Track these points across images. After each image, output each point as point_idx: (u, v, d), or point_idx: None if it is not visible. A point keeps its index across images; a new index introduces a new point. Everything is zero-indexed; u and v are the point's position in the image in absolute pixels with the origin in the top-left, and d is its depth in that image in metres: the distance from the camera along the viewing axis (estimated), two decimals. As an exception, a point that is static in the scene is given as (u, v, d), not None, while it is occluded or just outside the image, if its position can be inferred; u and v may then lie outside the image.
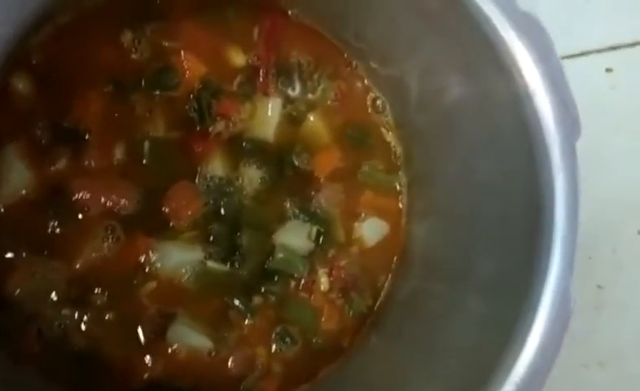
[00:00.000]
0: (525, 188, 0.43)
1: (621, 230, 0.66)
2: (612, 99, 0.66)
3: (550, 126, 0.41)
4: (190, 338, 0.54)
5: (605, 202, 0.66)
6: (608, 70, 0.65)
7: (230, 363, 0.54)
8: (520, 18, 0.41)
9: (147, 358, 0.53)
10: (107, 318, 0.52)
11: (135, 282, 0.53)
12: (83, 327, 0.52)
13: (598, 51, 0.65)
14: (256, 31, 0.56)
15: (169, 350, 0.53)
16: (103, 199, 0.52)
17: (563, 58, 0.64)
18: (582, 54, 0.66)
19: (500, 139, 0.45)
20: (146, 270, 0.53)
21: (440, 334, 0.50)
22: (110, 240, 0.52)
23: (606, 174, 0.65)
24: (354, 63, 0.57)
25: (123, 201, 0.52)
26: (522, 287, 0.42)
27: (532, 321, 0.41)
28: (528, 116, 0.41)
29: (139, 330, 0.53)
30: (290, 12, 0.56)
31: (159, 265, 0.53)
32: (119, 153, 0.53)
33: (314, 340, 0.56)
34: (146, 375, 0.53)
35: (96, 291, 0.52)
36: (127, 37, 0.54)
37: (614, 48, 0.65)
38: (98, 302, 0.52)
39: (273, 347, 0.55)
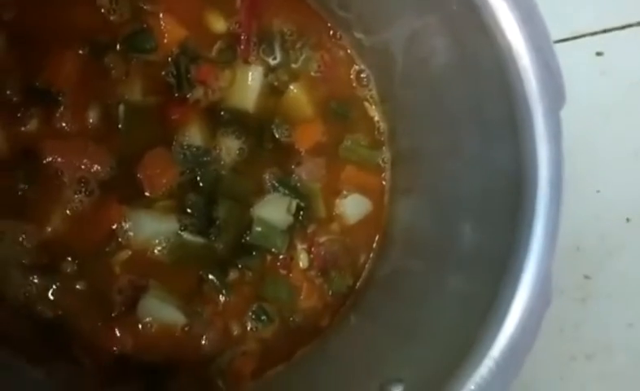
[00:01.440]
0: (508, 160, 0.42)
1: (609, 218, 0.65)
2: (602, 84, 0.65)
3: (534, 92, 0.40)
4: (162, 312, 0.52)
5: (593, 189, 0.65)
6: (599, 54, 0.64)
7: (203, 340, 0.53)
8: (505, -21, 0.39)
9: (117, 331, 0.52)
10: (77, 287, 0.51)
11: (107, 250, 0.51)
12: (51, 296, 0.51)
13: (589, 34, 0.64)
14: (238, -1, 0.55)
15: (140, 324, 0.52)
16: (75, 164, 0.50)
17: (554, 42, 0.63)
18: (573, 37, 0.65)
19: (484, 109, 0.44)
20: (119, 239, 0.52)
21: (420, 313, 0.49)
22: (83, 195, 0.51)
23: (594, 161, 0.64)
24: (338, 33, 0.56)
25: (96, 167, 0.51)
26: (503, 264, 0.41)
27: (512, 298, 0.40)
28: (512, 81, 0.40)
29: (109, 301, 0.52)
30: (272, -23, 0.55)
31: (131, 234, 0.52)
32: (93, 116, 0.52)
33: (292, 319, 0.55)
34: (115, 349, 0.52)
35: (67, 259, 0.51)
36: (104, -1, 0.53)
37: (605, 31, 0.64)
38: (69, 270, 0.51)
39: (249, 325, 0.54)
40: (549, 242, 0.40)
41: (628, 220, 0.65)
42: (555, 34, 0.63)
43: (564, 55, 0.63)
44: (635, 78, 0.65)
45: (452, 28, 0.44)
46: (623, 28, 0.64)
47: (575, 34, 0.65)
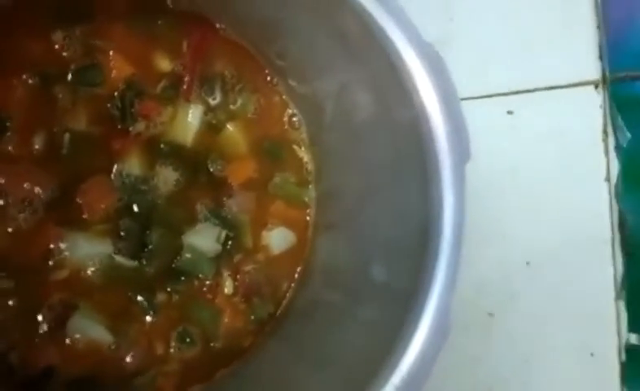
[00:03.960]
0: (417, 206, 0.46)
1: (512, 261, 0.69)
2: (511, 140, 0.70)
3: (443, 148, 0.44)
4: (90, 330, 0.54)
5: (499, 234, 0.70)
6: (509, 112, 0.70)
7: (128, 358, 0.55)
8: (424, 48, 0.44)
9: (45, 346, 0.53)
10: (9, 303, 0.53)
11: (43, 269, 0.53)
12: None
13: (502, 94, 0.70)
14: (185, 43, 0.58)
15: (68, 340, 0.54)
16: (18, 185, 0.53)
17: (470, 99, 0.69)
18: (487, 96, 0.70)
19: (399, 159, 0.49)
20: (55, 258, 0.54)
21: (333, 339, 0.52)
22: (27, 214, 0.53)
23: (501, 208, 0.69)
24: (275, 79, 0.60)
25: (37, 189, 0.53)
26: (408, 299, 0.45)
27: (414, 331, 0.43)
28: (424, 138, 0.44)
29: (40, 318, 0.54)
30: (218, 26, 0.59)
31: (67, 254, 0.54)
32: (38, 142, 0.54)
33: (214, 343, 0.58)
34: (43, 363, 0.53)
35: (2, 274, 0.53)
36: (58, 35, 0.55)
37: (515, 92, 0.69)
38: (6, 287, 0.53)
39: (173, 346, 0.57)
40: (449, 281, 0.44)
41: (528, 263, 0.70)
42: (471, 92, 0.70)
43: (479, 111, 0.70)
44: (540, 137, 0.70)
45: (374, 85, 0.49)
46: (532, 91, 0.70)
47: (489, 93, 0.70)
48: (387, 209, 0.51)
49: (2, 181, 0.52)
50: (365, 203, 0.55)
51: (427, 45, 0.44)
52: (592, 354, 0.69)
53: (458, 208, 0.45)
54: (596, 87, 0.68)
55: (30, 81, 0.54)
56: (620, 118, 0.68)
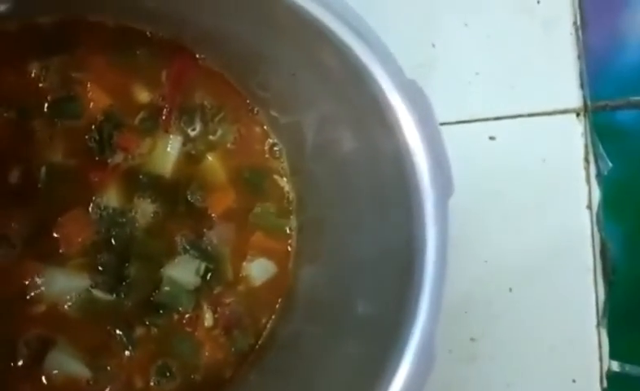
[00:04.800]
0: (402, 239, 0.46)
1: (495, 286, 0.70)
2: (493, 165, 0.70)
3: (426, 183, 0.44)
4: (68, 365, 0.53)
5: (481, 260, 0.70)
6: (491, 138, 0.70)
7: (108, 393, 0.54)
8: (405, 84, 0.44)
9: (23, 384, 0.53)
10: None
11: (19, 304, 0.53)
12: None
13: (484, 120, 0.70)
14: (164, 73, 0.57)
15: (45, 377, 0.53)
16: (-7, 221, 0.52)
17: (452, 123, 0.69)
18: (469, 121, 0.70)
19: (383, 192, 0.48)
20: (32, 293, 0.53)
21: (317, 372, 0.52)
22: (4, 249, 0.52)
23: (483, 233, 0.69)
24: (255, 109, 0.59)
25: (14, 224, 0.52)
26: (392, 330, 0.44)
27: (399, 362, 0.43)
28: (408, 173, 0.44)
29: (17, 354, 0.53)
30: (198, 56, 0.58)
31: (44, 289, 0.53)
32: (14, 176, 0.53)
33: (194, 376, 0.57)
34: (19, 400, 0.52)
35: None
36: (34, 66, 0.54)
37: (497, 118, 0.69)
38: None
39: (152, 380, 0.56)
40: (433, 313, 0.44)
41: (510, 290, 0.70)
42: (453, 116, 0.70)
43: (460, 136, 0.70)
44: (520, 163, 0.70)
45: (356, 120, 0.49)
46: (514, 117, 0.70)
47: (471, 118, 0.70)
48: (370, 242, 0.51)
49: (-23, 216, 0.51)
50: (347, 234, 0.54)
51: (410, 82, 0.44)
52: (574, 380, 0.69)
53: (441, 241, 0.45)
54: (577, 115, 0.69)
55: (5, 115, 0.53)
56: (601, 147, 0.68)
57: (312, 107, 0.53)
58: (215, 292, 0.58)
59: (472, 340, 0.70)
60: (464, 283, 0.68)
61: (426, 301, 0.44)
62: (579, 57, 0.69)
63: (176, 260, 0.57)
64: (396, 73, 0.44)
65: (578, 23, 0.69)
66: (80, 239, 0.54)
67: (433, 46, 0.70)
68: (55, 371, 0.53)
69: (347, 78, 0.46)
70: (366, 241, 0.52)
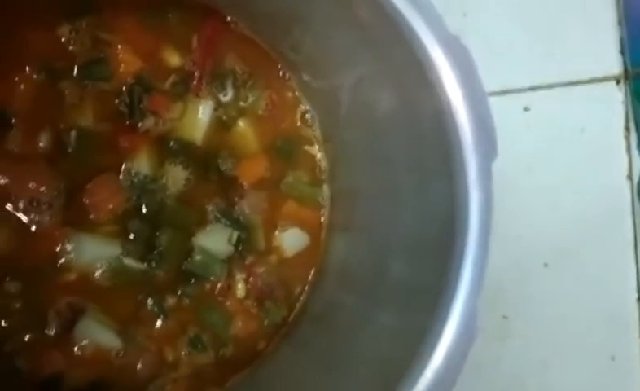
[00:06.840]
0: (442, 205, 0.44)
1: (529, 262, 0.68)
2: (527, 137, 0.68)
3: (469, 145, 0.42)
4: (98, 335, 0.53)
5: (515, 235, 0.68)
6: (526, 109, 0.68)
7: (138, 364, 0.54)
8: (448, 39, 0.42)
9: (52, 351, 0.52)
10: (16, 307, 0.51)
11: (50, 272, 0.52)
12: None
13: (518, 91, 0.68)
14: (195, 38, 0.56)
15: (76, 346, 0.52)
16: (23, 186, 0.51)
17: (485, 95, 0.67)
18: (502, 92, 0.69)
19: (422, 156, 0.47)
20: (62, 260, 0.52)
21: (350, 346, 0.50)
22: (33, 216, 0.51)
23: (517, 208, 0.68)
24: (287, 74, 0.58)
25: (43, 189, 0.51)
26: (432, 302, 0.43)
27: (440, 335, 0.42)
28: (449, 134, 0.43)
29: (48, 323, 0.52)
30: (229, 19, 0.57)
31: (74, 256, 0.52)
32: (44, 140, 0.52)
33: (225, 347, 0.56)
34: (50, 370, 0.52)
35: (7, 279, 0.51)
36: (64, 29, 0.53)
37: (532, 88, 0.68)
38: (13, 290, 0.51)
39: (184, 351, 0.55)
40: (476, 283, 0.42)
41: (545, 265, 0.68)
42: (487, 87, 0.68)
43: (494, 107, 0.68)
44: (557, 134, 0.68)
45: (396, 79, 0.47)
46: (549, 87, 0.68)
47: (505, 89, 0.69)
48: (408, 208, 0.49)
49: (7, 181, 0.51)
50: (383, 202, 0.53)
51: (453, 38, 0.42)
52: (612, 358, 0.67)
53: (485, 207, 0.43)
54: (617, 83, 0.67)
55: (35, 77, 0.52)
56: (642, 114, 0.66)
57: (347, 68, 0.52)
58: (247, 261, 0.57)
59: (505, 317, 0.68)
60: (496, 259, 0.66)
61: (468, 271, 0.42)
62: (619, 22, 0.67)
63: (207, 228, 0.55)
64: (439, 27, 0.42)
65: (619, -14, 0.68)
66: (110, 206, 0.53)
67: (464, 15, 0.68)
68: (85, 341, 0.52)
69: (384, 33, 0.44)
70: (402, 209, 0.50)
